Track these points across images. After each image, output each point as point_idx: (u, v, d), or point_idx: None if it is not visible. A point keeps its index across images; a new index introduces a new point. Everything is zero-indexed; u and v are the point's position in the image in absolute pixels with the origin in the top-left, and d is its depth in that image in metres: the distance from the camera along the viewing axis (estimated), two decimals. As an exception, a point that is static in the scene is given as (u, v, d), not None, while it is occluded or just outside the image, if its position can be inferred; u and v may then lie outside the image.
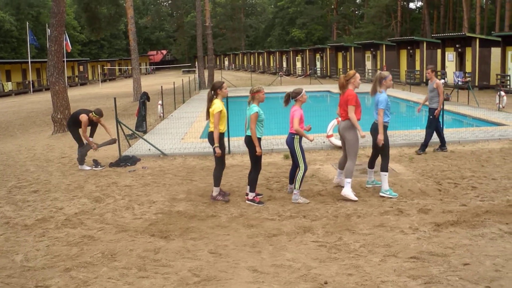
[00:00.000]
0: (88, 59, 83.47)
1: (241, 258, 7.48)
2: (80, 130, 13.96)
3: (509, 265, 6.97)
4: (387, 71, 10.99)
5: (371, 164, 11.28)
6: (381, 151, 10.66)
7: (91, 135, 14.38)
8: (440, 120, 14.95)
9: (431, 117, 14.65)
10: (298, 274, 6.88)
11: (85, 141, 14.11)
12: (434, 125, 14.76)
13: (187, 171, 13.39)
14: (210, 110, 10.20)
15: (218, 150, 10.08)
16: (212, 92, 10.30)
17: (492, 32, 46.33)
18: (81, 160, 14.21)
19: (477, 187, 11.01)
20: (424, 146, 14.81)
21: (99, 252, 7.93)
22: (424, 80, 41.97)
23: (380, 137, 10.27)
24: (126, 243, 8.27)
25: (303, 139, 10.38)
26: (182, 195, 11.09)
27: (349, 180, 10.29)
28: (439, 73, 40.35)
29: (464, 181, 11.54)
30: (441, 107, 14.74)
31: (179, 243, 8.18)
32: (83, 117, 13.88)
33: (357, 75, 10.53)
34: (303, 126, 10.21)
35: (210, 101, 10.30)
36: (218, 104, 10.10)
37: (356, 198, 10.17)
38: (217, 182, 10.53)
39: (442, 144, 14.98)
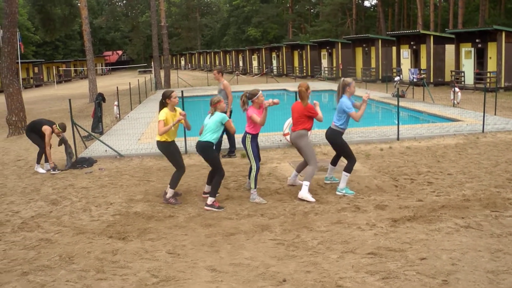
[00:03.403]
0: (43, 60, 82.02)
1: (199, 258, 7.47)
2: (44, 142, 13.77)
3: (465, 258, 7.08)
4: (349, 78, 10.83)
5: (334, 162, 11.32)
6: (343, 153, 10.72)
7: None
8: (395, 116, 14.98)
9: None
10: (257, 272, 6.90)
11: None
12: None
13: (144, 172, 13.31)
14: None
15: None
16: (163, 101, 10.23)
17: (446, 29, 46.98)
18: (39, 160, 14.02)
19: (433, 182, 11.17)
20: (230, 151, 14.79)
21: (57, 255, 7.84)
22: (380, 77, 42.38)
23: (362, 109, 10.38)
24: (83, 245, 8.18)
25: (257, 138, 10.41)
26: (139, 196, 11.02)
27: (307, 183, 10.23)
28: (394, 70, 40.79)
29: (420, 176, 11.70)
30: (231, 107, 14.29)
31: (137, 244, 8.14)
32: (47, 130, 13.72)
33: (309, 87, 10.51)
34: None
35: (161, 108, 10.28)
36: (161, 113, 10.08)
37: (313, 200, 10.09)
38: (174, 184, 10.48)
39: (231, 150, 14.84)
